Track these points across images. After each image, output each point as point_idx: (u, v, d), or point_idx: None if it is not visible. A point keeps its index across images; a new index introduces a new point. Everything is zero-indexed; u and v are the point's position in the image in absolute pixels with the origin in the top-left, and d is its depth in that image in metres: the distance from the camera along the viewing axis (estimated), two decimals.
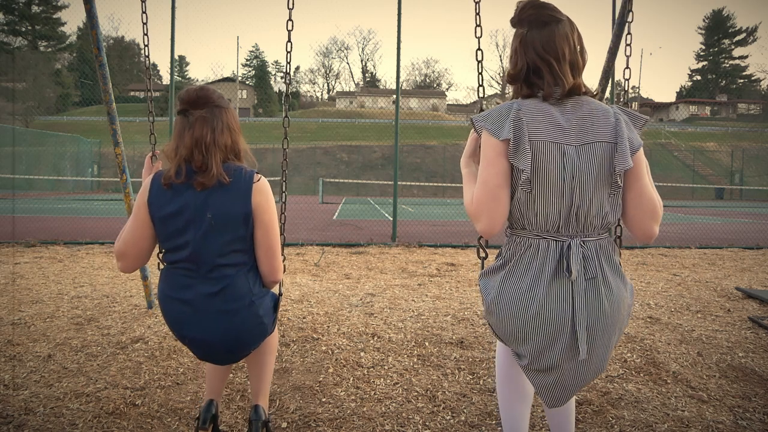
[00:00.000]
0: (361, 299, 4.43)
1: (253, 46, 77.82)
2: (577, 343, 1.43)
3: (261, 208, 1.77)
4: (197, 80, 68.72)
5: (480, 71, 2.14)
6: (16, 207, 14.43)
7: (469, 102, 70.94)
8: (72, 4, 55.94)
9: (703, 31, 67.75)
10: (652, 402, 2.51)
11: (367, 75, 77.38)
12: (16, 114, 35.44)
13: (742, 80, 66.16)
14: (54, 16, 56.11)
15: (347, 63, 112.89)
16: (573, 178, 1.41)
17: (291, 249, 7.39)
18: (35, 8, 55.21)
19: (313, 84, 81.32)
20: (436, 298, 4.53)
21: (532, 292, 1.45)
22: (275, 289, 2.02)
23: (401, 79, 8.77)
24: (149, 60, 3.22)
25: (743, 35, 65.54)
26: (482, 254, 1.81)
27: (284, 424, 2.28)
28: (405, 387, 2.66)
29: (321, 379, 2.74)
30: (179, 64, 67.63)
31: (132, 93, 56.73)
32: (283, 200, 2.42)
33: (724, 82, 66.26)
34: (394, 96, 8.44)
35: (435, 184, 24.76)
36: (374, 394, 2.58)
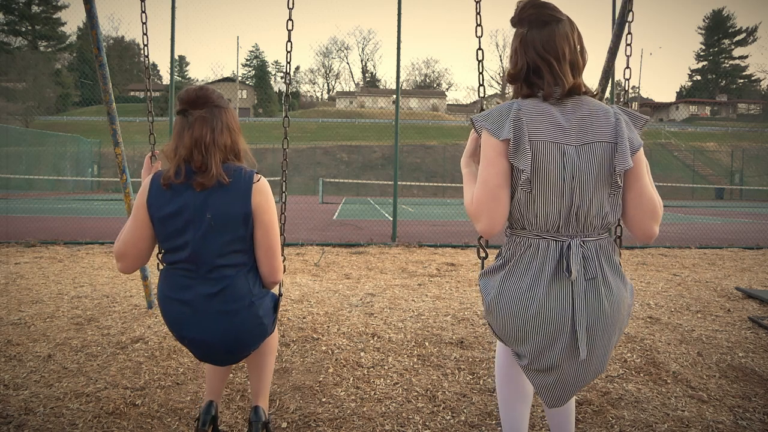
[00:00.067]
0: (361, 299, 4.43)
1: (253, 46, 77.94)
2: (577, 343, 1.43)
3: (261, 208, 1.76)
4: (197, 80, 68.71)
5: (481, 71, 2.14)
6: (17, 207, 14.43)
7: (469, 102, 70.89)
8: (72, 4, 56.06)
9: (703, 31, 67.77)
10: (652, 402, 2.50)
11: (367, 75, 77.38)
12: (17, 114, 35.44)
13: (742, 80, 66.15)
14: (54, 16, 56.20)
15: (347, 63, 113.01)
16: (573, 178, 1.41)
17: (291, 249, 7.39)
18: (35, 8, 55.26)
19: (313, 84, 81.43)
20: (436, 298, 4.53)
21: (531, 292, 1.45)
22: (275, 290, 2.01)
23: (401, 79, 8.78)
24: (149, 60, 3.23)
25: (743, 35, 65.58)
26: (482, 254, 1.81)
27: (284, 424, 2.27)
28: (405, 387, 2.66)
29: (321, 379, 2.74)
30: (179, 64, 67.64)
31: (132, 93, 56.69)
32: (283, 200, 2.42)
33: (724, 82, 66.24)
34: (394, 96, 8.43)
35: (435, 184, 24.73)
36: (374, 394, 2.58)
